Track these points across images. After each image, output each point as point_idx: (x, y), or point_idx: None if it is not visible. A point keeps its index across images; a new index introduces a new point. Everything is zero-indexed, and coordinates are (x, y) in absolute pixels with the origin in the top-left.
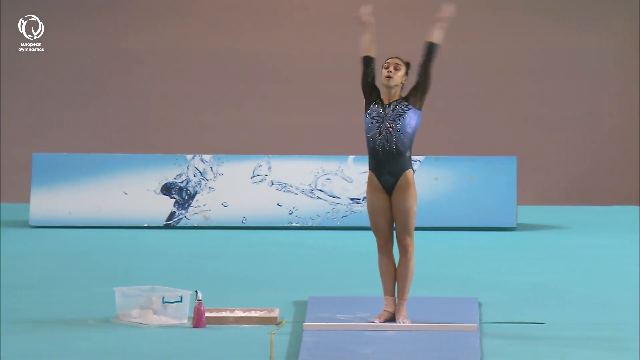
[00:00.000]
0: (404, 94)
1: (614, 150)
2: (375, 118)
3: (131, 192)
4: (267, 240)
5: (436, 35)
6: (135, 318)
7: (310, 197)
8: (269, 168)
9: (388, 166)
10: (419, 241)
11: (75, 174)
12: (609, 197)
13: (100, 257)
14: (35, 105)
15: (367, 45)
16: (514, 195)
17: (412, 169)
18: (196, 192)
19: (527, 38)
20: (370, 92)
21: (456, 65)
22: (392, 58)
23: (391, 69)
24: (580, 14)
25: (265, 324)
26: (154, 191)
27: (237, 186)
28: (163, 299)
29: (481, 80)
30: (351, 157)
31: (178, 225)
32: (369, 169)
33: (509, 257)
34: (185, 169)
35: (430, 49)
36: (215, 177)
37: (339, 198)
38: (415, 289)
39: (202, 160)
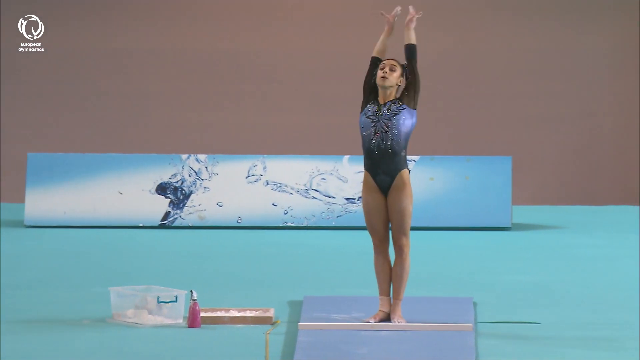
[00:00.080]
0: (398, 95)
1: (609, 150)
2: (371, 117)
3: (126, 192)
4: (262, 240)
5: (412, 37)
6: (130, 318)
7: (306, 197)
8: (264, 168)
9: (383, 166)
10: (414, 241)
11: (70, 174)
12: (604, 196)
13: (95, 257)
14: (30, 105)
15: (381, 47)
16: (509, 195)
17: (408, 168)
18: (191, 192)
19: (522, 38)
20: (370, 92)
21: (451, 65)
22: (388, 59)
23: (386, 69)
24: (576, 14)
25: (260, 324)
26: (149, 191)
27: (232, 186)
28: (158, 298)
29: (476, 80)
30: (346, 157)
31: (173, 225)
32: (365, 168)
33: (504, 257)
34: (180, 168)
35: (411, 51)
36: (210, 176)
37: (334, 198)
38: (411, 288)
39: (197, 160)
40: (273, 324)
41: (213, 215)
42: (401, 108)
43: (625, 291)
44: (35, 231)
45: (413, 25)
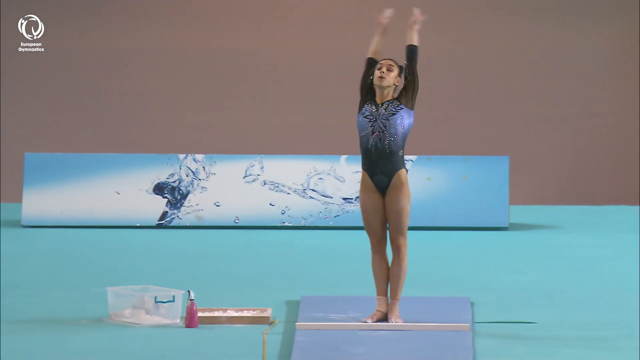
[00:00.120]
0: (396, 95)
1: (607, 150)
2: (368, 117)
3: (123, 191)
4: (259, 240)
5: (414, 38)
6: (127, 318)
7: (303, 196)
8: (262, 168)
9: (381, 165)
10: (411, 241)
11: (67, 174)
12: (602, 196)
13: (92, 257)
14: (27, 105)
15: (376, 48)
16: (507, 194)
17: (405, 168)
18: (188, 192)
19: (520, 38)
20: (367, 92)
21: (449, 65)
22: (385, 59)
23: (384, 69)
24: (574, 14)
25: (257, 324)
26: (147, 191)
27: (229, 186)
28: (155, 298)
29: (474, 80)
30: (343, 156)
31: (170, 225)
32: (362, 168)
33: (502, 257)
34: (178, 168)
35: (412, 51)
36: (207, 176)
37: (332, 198)
38: (408, 288)
39: (194, 159)
40: (270, 323)
41: (210, 215)
42: (399, 108)
43: (623, 291)
44: (32, 231)
45: (417, 27)
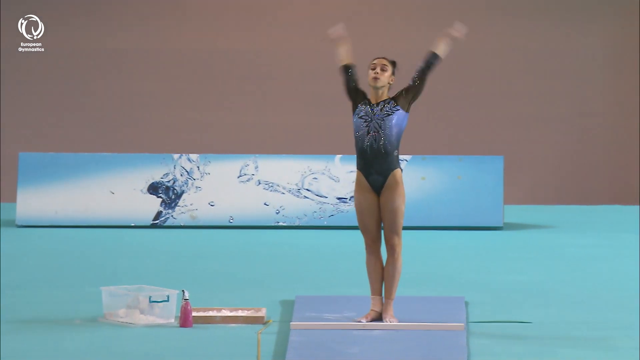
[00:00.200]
0: (391, 94)
1: (601, 150)
2: (364, 118)
3: (118, 191)
4: (254, 240)
5: (442, 49)
6: (122, 317)
7: (297, 196)
8: (256, 167)
9: (376, 166)
10: (406, 241)
11: (62, 174)
12: (596, 196)
13: (87, 256)
14: (22, 105)
15: (344, 56)
16: (501, 194)
17: (400, 168)
18: (183, 192)
19: (514, 38)
20: (356, 95)
21: (444, 65)
22: (378, 58)
23: (378, 69)
24: (569, 15)
25: (252, 324)
26: (141, 190)
27: (224, 185)
28: (150, 298)
29: (468, 80)
30: (338, 156)
31: (165, 224)
32: (357, 168)
33: (496, 257)
34: (172, 168)
35: (432, 59)
36: (202, 176)
37: (326, 197)
38: (403, 288)
39: (189, 159)
40: (265, 323)
41: (205, 214)
42: (395, 109)
43: (618, 291)
44: (26, 231)
45: (450, 40)
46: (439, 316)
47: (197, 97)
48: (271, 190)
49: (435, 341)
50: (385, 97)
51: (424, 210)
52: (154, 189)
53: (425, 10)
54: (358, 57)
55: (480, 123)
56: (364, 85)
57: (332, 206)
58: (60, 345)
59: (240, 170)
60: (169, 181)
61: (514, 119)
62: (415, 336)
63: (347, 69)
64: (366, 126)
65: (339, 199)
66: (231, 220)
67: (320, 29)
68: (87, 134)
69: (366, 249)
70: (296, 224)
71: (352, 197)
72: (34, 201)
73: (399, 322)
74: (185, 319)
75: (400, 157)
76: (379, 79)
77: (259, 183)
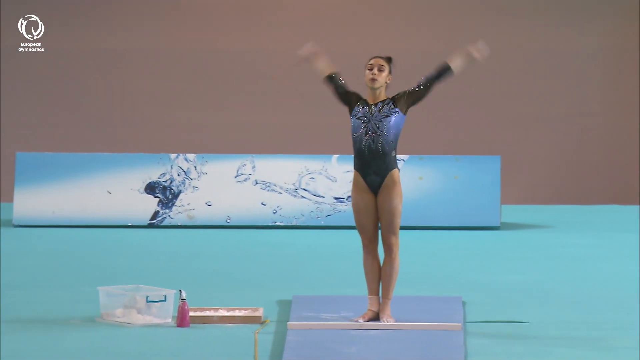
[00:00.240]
0: (389, 93)
1: (598, 150)
2: (362, 118)
3: (115, 191)
4: (251, 240)
5: (457, 64)
6: (119, 317)
7: (295, 196)
8: (253, 167)
9: (374, 166)
10: (403, 240)
11: (59, 173)
12: (593, 196)
13: (84, 256)
14: (20, 105)
15: (323, 68)
16: (498, 194)
17: (397, 168)
18: (180, 192)
19: (511, 38)
20: (349, 99)
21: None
22: (374, 58)
23: (375, 70)
24: (565, 14)
25: (249, 323)
26: (138, 190)
27: (221, 185)
28: (147, 298)
29: (467, 79)
30: (335, 156)
31: (162, 224)
32: (355, 169)
33: (493, 256)
34: (169, 168)
35: (445, 72)
36: (199, 176)
37: (323, 197)
38: (400, 288)
39: (186, 159)
40: (262, 323)
41: (202, 214)
42: (393, 111)
43: (616, 291)
44: (23, 230)
45: (470, 57)
46: (436, 316)
47: (194, 97)
48: (268, 190)
49: (432, 341)
50: (383, 97)
51: (421, 210)
52: (151, 188)
53: (425, 10)
54: (358, 57)
55: (479, 123)
56: (354, 86)
57: (329, 206)
58: (57, 345)
59: (238, 170)
60: (166, 181)
61: (513, 119)
62: (413, 336)
63: (330, 79)
64: (364, 127)
65: (336, 198)
66: (228, 220)
67: (320, 29)
68: (84, 134)
69: (363, 249)
70: (293, 223)
71: (349, 197)
72: (31, 201)
73: (396, 321)
74: (182, 319)
75: (398, 157)
76: (376, 80)
77: (256, 183)
